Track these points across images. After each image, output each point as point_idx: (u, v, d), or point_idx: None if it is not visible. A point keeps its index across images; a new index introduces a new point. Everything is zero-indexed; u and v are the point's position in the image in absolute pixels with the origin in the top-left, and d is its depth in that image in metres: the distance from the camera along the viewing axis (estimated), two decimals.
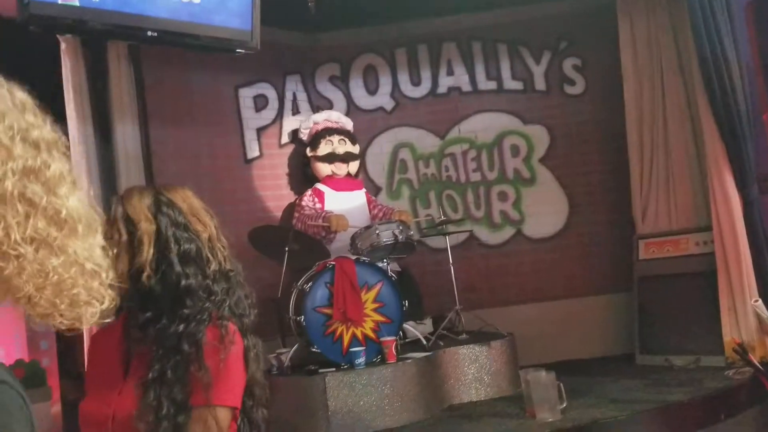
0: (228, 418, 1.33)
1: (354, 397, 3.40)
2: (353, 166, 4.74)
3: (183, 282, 1.35)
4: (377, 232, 3.97)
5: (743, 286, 3.72)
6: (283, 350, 3.76)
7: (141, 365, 1.33)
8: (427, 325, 4.28)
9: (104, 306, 0.78)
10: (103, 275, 0.78)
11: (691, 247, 4.14)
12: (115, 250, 1.33)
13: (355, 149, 4.75)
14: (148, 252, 1.34)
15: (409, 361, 3.65)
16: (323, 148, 4.60)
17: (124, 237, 1.35)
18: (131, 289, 1.33)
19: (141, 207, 1.38)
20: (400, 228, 4.01)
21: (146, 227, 1.36)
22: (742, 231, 3.79)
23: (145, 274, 1.33)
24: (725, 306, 3.77)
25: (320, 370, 3.51)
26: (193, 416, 1.27)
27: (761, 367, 3.47)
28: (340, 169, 4.64)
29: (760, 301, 3.58)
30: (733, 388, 3.47)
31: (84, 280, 0.74)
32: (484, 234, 5.02)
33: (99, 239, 0.78)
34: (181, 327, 1.31)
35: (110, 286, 0.79)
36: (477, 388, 3.82)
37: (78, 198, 0.76)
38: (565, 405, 3.24)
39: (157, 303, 1.34)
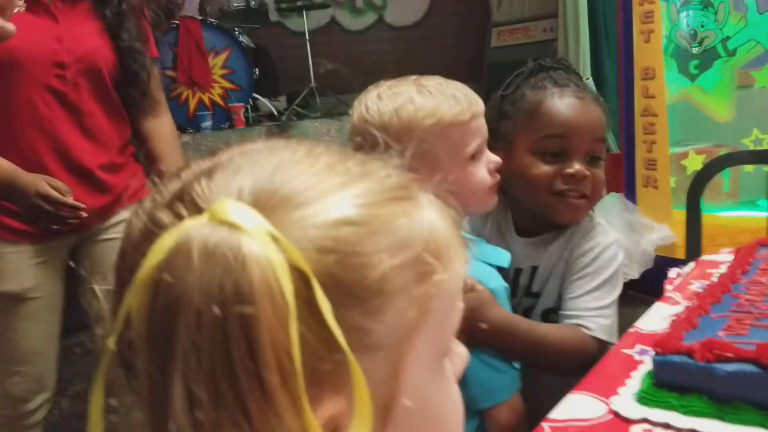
0: None
1: None
2: None
3: None
4: None
5: (579, 68, 3.95)
6: None
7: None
8: (282, 102, 4.27)
9: None
10: None
11: (539, 34, 4.29)
12: None
13: None
14: None
15: (259, 126, 3.68)
16: None
17: None
18: None
19: None
20: None
21: None
22: (584, 18, 3.94)
23: None
24: None
25: None
26: None
27: None
28: None
29: (591, 79, 3.83)
30: None
31: None
32: (346, 19, 4.93)
33: None
34: None
35: None
36: None
37: None
38: None
39: None
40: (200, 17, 3.64)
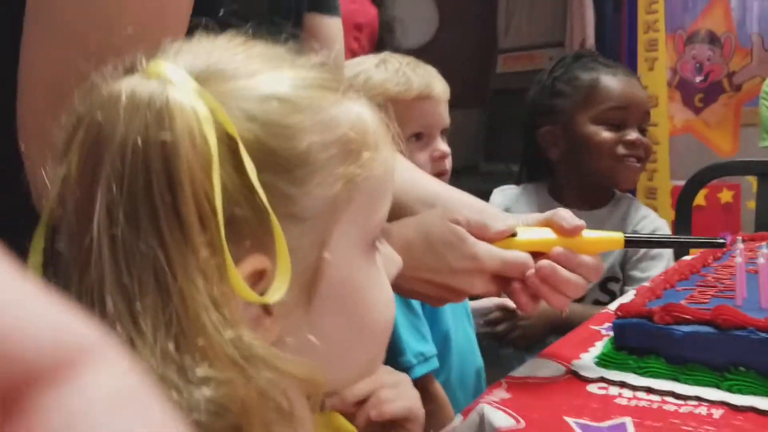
0: None
1: None
2: None
3: None
4: None
5: None
6: None
7: None
8: None
9: None
10: None
11: (545, 62, 4.33)
12: None
13: None
14: None
15: None
16: None
17: None
18: None
19: None
20: None
21: None
22: (591, 46, 3.99)
23: None
24: None
25: None
26: None
27: None
28: None
29: None
30: None
31: None
32: None
33: None
34: None
35: None
36: None
37: None
38: None
39: None
40: None
